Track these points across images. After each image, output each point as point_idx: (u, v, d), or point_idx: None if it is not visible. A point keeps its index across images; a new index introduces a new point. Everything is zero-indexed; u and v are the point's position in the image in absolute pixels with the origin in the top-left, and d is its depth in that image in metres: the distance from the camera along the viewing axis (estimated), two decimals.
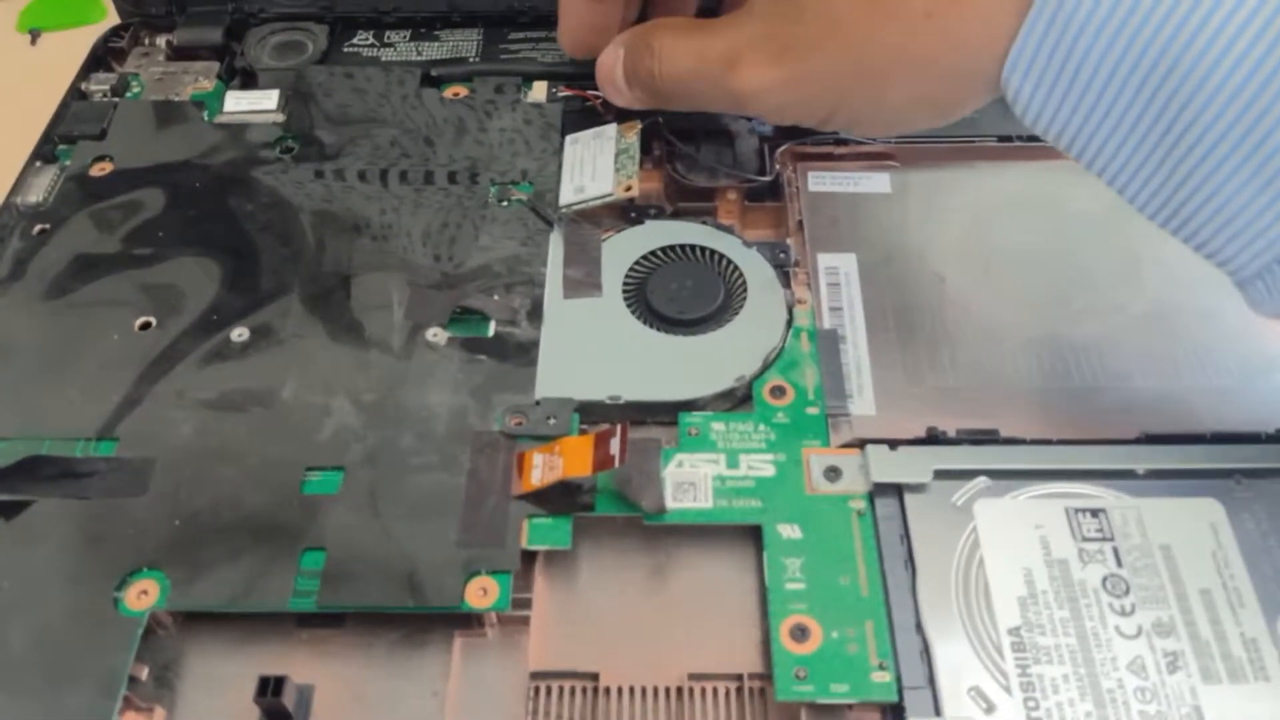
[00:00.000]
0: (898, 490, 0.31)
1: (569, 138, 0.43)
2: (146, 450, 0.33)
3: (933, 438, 0.32)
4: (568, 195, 0.40)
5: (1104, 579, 0.30)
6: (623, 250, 0.39)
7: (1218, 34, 0.25)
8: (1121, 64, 0.26)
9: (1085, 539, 0.30)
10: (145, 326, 0.36)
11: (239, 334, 0.36)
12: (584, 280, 0.38)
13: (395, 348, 0.36)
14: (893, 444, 0.32)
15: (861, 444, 0.32)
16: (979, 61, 0.29)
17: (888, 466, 0.32)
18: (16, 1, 0.58)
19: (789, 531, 0.31)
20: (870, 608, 0.29)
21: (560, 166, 0.42)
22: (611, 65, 0.39)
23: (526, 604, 0.30)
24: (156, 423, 0.34)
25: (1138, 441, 0.32)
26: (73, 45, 0.49)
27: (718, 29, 0.36)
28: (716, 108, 0.38)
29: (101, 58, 0.48)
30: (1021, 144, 0.43)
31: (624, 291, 0.38)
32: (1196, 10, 0.25)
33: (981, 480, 0.31)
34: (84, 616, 0.29)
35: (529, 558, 0.31)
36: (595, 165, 0.41)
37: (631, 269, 0.39)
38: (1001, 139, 0.43)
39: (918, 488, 0.31)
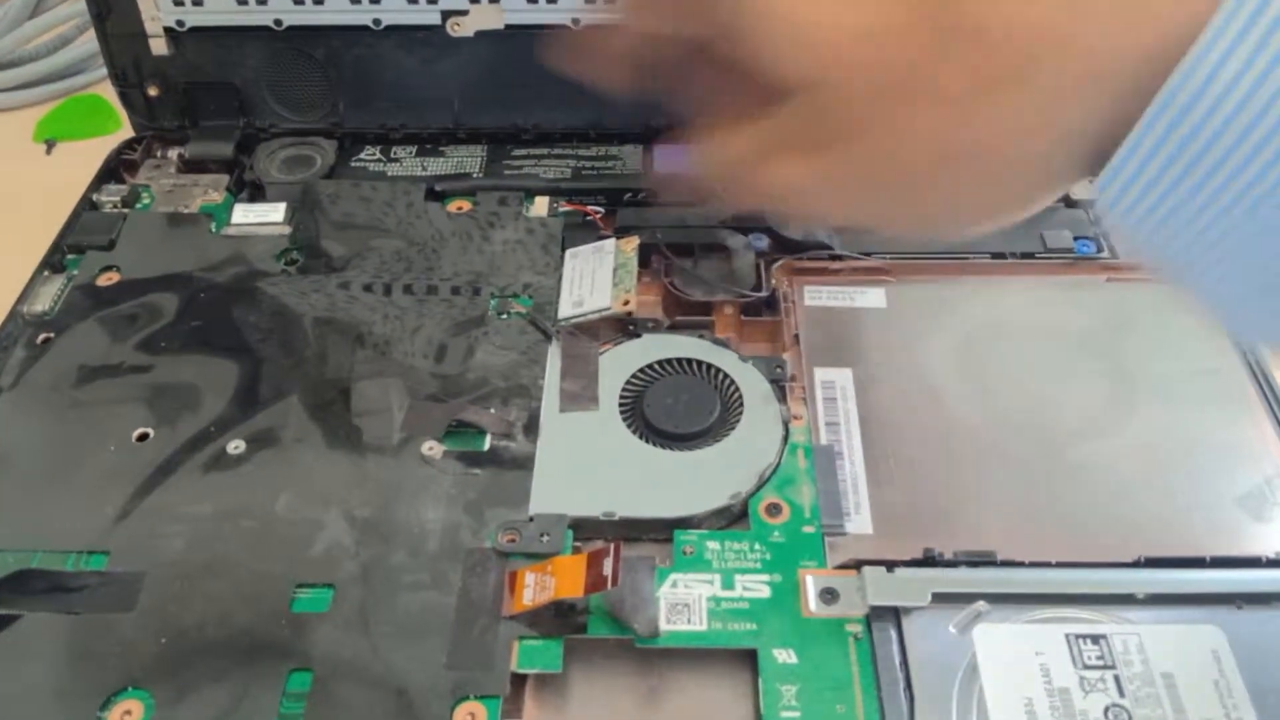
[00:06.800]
0: (895, 614, 0.31)
1: (569, 252, 0.44)
2: (137, 564, 0.33)
3: (930, 559, 0.32)
4: (566, 309, 0.41)
5: (1106, 709, 0.29)
6: (620, 364, 0.39)
7: None
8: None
9: (1086, 666, 0.30)
10: (143, 438, 0.37)
11: (235, 446, 0.36)
12: (580, 394, 0.38)
13: (391, 461, 0.36)
14: (890, 565, 0.32)
15: (858, 565, 0.32)
16: (1032, 145, 0.25)
17: (885, 589, 0.31)
18: (34, 111, 0.60)
19: (784, 656, 0.30)
20: None
21: (560, 280, 0.42)
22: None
23: None
24: (148, 536, 0.34)
25: (1136, 565, 0.32)
26: (87, 156, 0.50)
27: (750, 127, 0.33)
28: (747, 206, 0.36)
29: (114, 169, 0.49)
30: (1015, 260, 0.43)
31: (620, 405, 0.38)
32: None
33: (980, 604, 0.31)
34: None
35: (519, 680, 0.30)
36: (594, 279, 0.42)
37: (628, 383, 0.39)
38: (995, 255, 0.44)
39: (915, 611, 0.31)
